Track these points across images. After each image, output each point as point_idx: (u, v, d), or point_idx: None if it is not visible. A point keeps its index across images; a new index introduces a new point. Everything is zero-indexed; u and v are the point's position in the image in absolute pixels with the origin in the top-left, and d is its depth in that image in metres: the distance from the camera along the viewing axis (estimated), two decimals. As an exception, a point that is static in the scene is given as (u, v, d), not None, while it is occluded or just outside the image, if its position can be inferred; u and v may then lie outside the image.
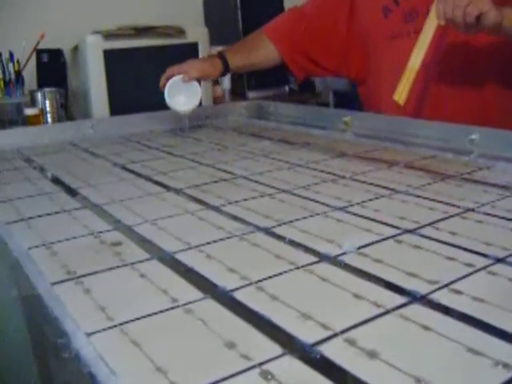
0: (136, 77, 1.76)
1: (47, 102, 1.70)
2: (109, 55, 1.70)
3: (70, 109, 1.91)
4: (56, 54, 1.86)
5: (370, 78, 1.46)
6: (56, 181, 0.98)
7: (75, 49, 1.90)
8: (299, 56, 1.49)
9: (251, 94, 2.00)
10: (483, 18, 1.03)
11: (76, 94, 1.97)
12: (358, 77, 1.50)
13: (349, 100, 2.21)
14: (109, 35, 1.68)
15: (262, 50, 1.49)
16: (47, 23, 1.89)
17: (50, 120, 1.71)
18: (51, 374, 0.49)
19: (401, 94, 1.14)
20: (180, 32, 1.76)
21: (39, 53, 1.83)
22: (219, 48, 2.02)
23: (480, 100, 1.26)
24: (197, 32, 1.82)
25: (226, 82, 2.00)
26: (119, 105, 1.70)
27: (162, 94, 1.33)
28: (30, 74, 1.84)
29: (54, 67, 1.85)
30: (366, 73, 1.46)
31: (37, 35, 1.81)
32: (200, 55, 1.81)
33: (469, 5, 1.02)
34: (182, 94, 1.34)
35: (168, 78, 1.34)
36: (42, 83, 1.82)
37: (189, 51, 1.79)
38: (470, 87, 1.26)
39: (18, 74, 1.78)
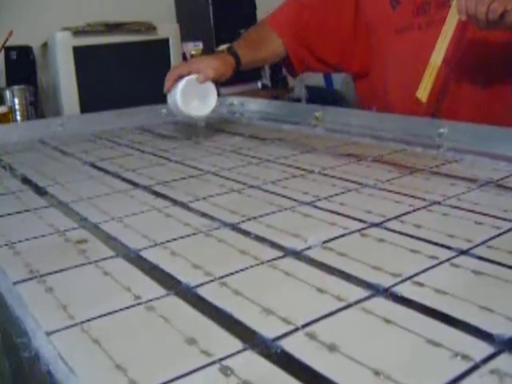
0: (106, 73, 1.75)
1: (16, 100, 1.68)
2: (78, 52, 1.68)
3: (40, 106, 1.89)
4: (25, 52, 1.83)
5: (374, 72, 1.41)
6: (24, 180, 0.97)
7: (44, 46, 1.88)
8: (303, 50, 1.42)
9: (224, 90, 1.99)
10: (507, 15, 1.01)
11: (46, 92, 1.95)
12: (360, 71, 1.45)
13: (321, 95, 2.21)
14: (78, 32, 1.67)
15: (270, 45, 1.41)
16: (16, 20, 1.87)
17: (19, 118, 1.69)
18: (22, 374, 0.49)
19: (423, 92, 1.11)
20: (151, 28, 1.75)
21: (8, 50, 1.81)
22: (190, 44, 2.02)
23: (498, 96, 1.24)
24: (168, 28, 1.81)
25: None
26: (90, 102, 1.69)
27: (161, 96, 1.22)
28: (-2, 71, 1.82)
29: (23, 65, 1.83)
30: (368, 67, 1.42)
31: (5, 32, 1.78)
32: (171, 51, 1.81)
33: (493, 1, 1.00)
34: (196, 96, 1.17)
35: (175, 80, 1.18)
36: (11, 81, 1.80)
37: (160, 47, 1.79)
38: (489, 83, 1.24)
39: (-13, 71, 1.76)
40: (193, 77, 1.17)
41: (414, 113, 1.17)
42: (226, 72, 1.26)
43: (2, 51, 1.80)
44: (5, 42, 1.80)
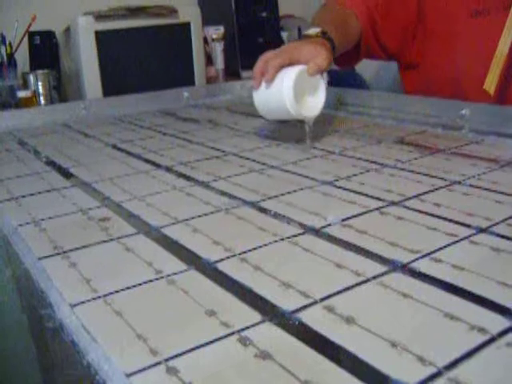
0: (128, 57, 1.75)
1: (40, 84, 1.69)
2: (101, 36, 1.69)
3: (63, 90, 1.90)
4: (48, 36, 1.84)
5: (430, 60, 1.27)
6: (48, 161, 0.98)
7: (67, 30, 1.89)
8: (371, 34, 1.28)
9: (245, 74, 1.99)
10: None
11: (69, 76, 1.96)
12: (414, 61, 1.30)
13: (342, 78, 2.20)
14: (100, 16, 1.67)
15: (353, 29, 1.22)
16: (39, 5, 1.88)
17: (42, 102, 1.70)
18: (45, 344, 0.50)
19: (491, 84, 1.03)
20: (172, 12, 1.75)
21: (31, 35, 1.82)
22: (211, 28, 2.02)
23: None
24: (189, 12, 1.81)
25: (220, 61, 2.00)
26: (112, 86, 1.70)
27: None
28: (22, 56, 1.83)
29: (46, 49, 1.84)
30: (422, 56, 1.28)
31: (28, 17, 1.80)
32: (192, 35, 1.80)
33: None
34: (305, 92, 0.93)
35: (276, 72, 0.93)
36: (34, 65, 1.81)
37: (181, 31, 1.79)
38: None
39: (11, 56, 1.77)
40: (301, 68, 0.91)
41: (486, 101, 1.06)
42: (331, 61, 1.02)
43: (26, 36, 1.82)
44: (28, 27, 1.81)
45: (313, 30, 1.06)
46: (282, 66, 0.93)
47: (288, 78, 0.90)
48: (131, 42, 1.74)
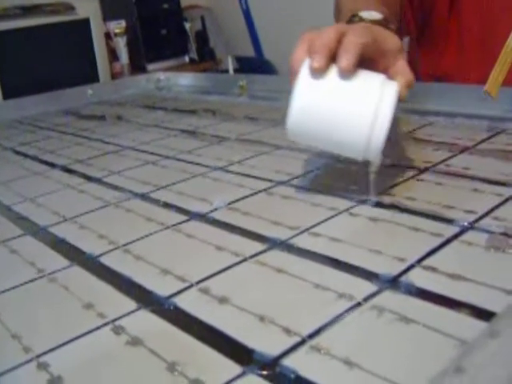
0: (28, 58, 1.72)
1: None
2: (-4, 37, 1.65)
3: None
4: None
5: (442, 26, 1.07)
6: None
7: (-38, 34, 1.84)
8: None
9: (151, 67, 1.99)
10: None
11: (-31, 81, 1.91)
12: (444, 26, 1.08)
13: (252, 65, 2.22)
14: (-6, 17, 1.64)
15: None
16: None
17: None
18: None
19: (493, 84, 0.80)
20: (69, 8, 1.72)
21: None
22: (113, 23, 2.00)
23: None
24: (87, 7, 1.78)
25: (124, 56, 1.98)
26: (12, 88, 1.66)
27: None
28: None
29: None
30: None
31: None
32: (93, 31, 1.78)
33: None
34: None
35: (358, 53, 0.57)
36: None
37: (81, 27, 1.76)
38: None
39: None
40: (394, 86, 0.57)
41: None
42: None
43: None
44: None
45: (370, 14, 0.73)
46: (364, 49, 0.58)
47: (388, 102, 0.55)
48: (29, 41, 1.71)
